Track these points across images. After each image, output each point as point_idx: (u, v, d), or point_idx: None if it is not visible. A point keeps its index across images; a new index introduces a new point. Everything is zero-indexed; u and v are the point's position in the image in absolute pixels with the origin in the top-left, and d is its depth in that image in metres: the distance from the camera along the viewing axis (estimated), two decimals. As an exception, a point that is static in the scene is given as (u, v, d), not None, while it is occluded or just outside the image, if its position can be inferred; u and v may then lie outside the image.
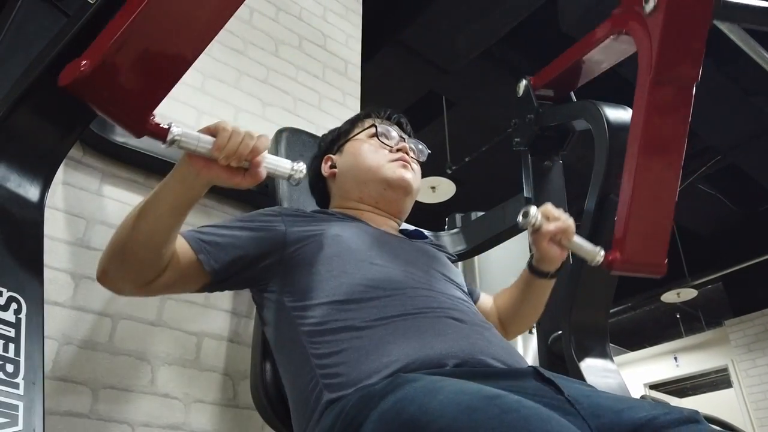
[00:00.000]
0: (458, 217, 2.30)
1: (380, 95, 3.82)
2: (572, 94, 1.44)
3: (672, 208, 1.06)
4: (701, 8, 1.03)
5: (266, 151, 0.79)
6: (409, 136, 1.17)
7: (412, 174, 1.08)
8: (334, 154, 1.15)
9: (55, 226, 1.16)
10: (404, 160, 1.08)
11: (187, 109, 1.48)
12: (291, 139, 1.38)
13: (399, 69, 3.98)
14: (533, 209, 0.96)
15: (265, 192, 1.32)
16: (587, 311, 1.23)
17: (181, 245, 0.85)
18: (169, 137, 0.72)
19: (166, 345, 1.22)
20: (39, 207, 0.83)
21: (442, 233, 1.77)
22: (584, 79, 1.36)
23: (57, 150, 0.88)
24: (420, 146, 1.15)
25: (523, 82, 1.46)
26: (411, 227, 1.16)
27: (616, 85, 1.25)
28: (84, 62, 0.67)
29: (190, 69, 0.78)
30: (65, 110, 0.84)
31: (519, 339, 2.62)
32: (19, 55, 0.86)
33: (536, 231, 0.97)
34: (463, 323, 0.83)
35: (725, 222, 5.51)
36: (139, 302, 1.21)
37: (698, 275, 5.84)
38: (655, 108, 1.04)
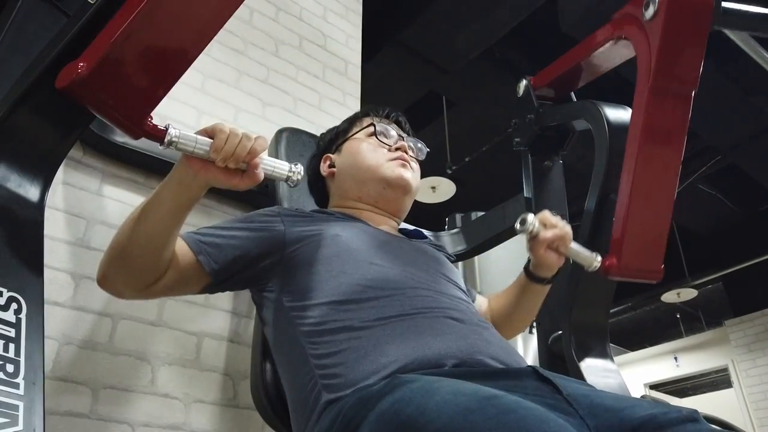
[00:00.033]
0: (458, 217, 2.31)
1: (380, 95, 3.82)
2: (572, 94, 1.44)
3: (669, 214, 1.07)
4: (701, 15, 1.03)
5: (264, 152, 0.79)
6: (408, 134, 1.17)
7: (411, 173, 1.08)
8: (332, 154, 1.15)
9: (55, 226, 1.16)
10: (403, 159, 1.07)
11: (187, 109, 1.48)
12: (291, 139, 1.38)
13: (399, 69, 3.98)
14: (530, 216, 0.97)
15: (265, 192, 1.32)
16: (587, 311, 1.23)
17: (181, 247, 0.85)
18: (167, 139, 0.72)
19: (167, 345, 1.22)
20: (39, 207, 0.83)
21: (442, 233, 1.77)
22: (584, 80, 1.36)
23: (57, 150, 0.88)
24: (419, 145, 1.15)
25: (523, 82, 1.46)
26: (410, 227, 1.16)
27: (616, 85, 1.25)
28: (81, 64, 0.67)
29: (190, 69, 0.78)
30: (65, 110, 0.83)
31: (519, 339, 2.62)
32: (20, 55, 0.86)
33: (534, 238, 0.98)
34: (461, 323, 0.83)
35: (725, 222, 5.51)
36: (140, 302, 1.21)
37: (698, 275, 5.84)
38: (653, 115, 1.04)
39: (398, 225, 1.12)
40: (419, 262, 0.97)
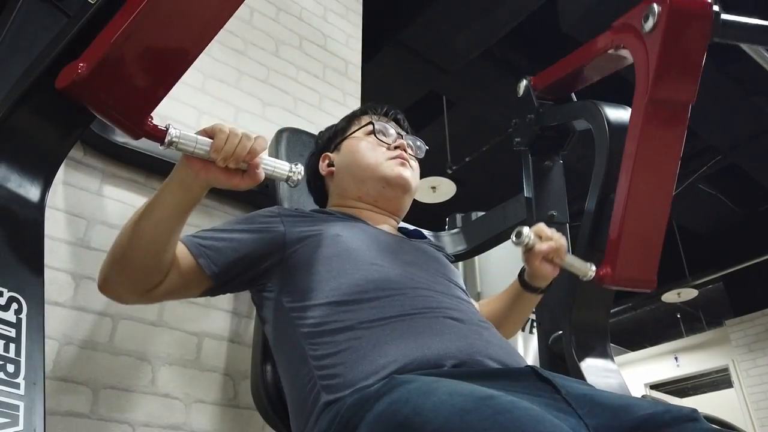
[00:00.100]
0: (458, 217, 2.30)
1: (380, 95, 3.81)
2: (572, 94, 1.44)
3: (664, 225, 1.08)
4: (700, 29, 1.03)
5: (264, 152, 0.79)
6: (407, 132, 1.16)
7: (410, 171, 1.08)
8: (331, 152, 1.14)
9: (55, 227, 1.16)
10: (402, 158, 1.07)
11: (187, 109, 1.48)
12: (291, 139, 1.38)
13: (399, 69, 3.98)
14: (526, 229, 0.99)
15: (265, 192, 1.32)
16: (588, 311, 1.22)
17: (181, 251, 0.85)
18: (167, 139, 0.72)
19: (167, 345, 1.23)
20: (39, 207, 0.83)
21: (443, 233, 1.77)
22: (584, 83, 1.36)
23: (57, 150, 0.88)
24: (418, 143, 1.15)
25: (524, 82, 1.46)
26: (410, 227, 1.16)
27: (616, 84, 1.25)
28: (81, 64, 0.67)
29: (190, 69, 0.78)
30: (66, 110, 0.83)
31: (519, 339, 2.62)
32: (20, 55, 0.86)
33: (529, 250, 1.00)
34: (461, 323, 0.83)
35: (726, 222, 5.51)
36: (140, 302, 1.21)
37: (699, 275, 5.84)
38: (650, 127, 1.04)
39: (398, 224, 1.12)
40: (419, 262, 0.97)
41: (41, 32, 0.88)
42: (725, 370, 6.90)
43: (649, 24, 1.03)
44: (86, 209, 1.22)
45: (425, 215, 2.70)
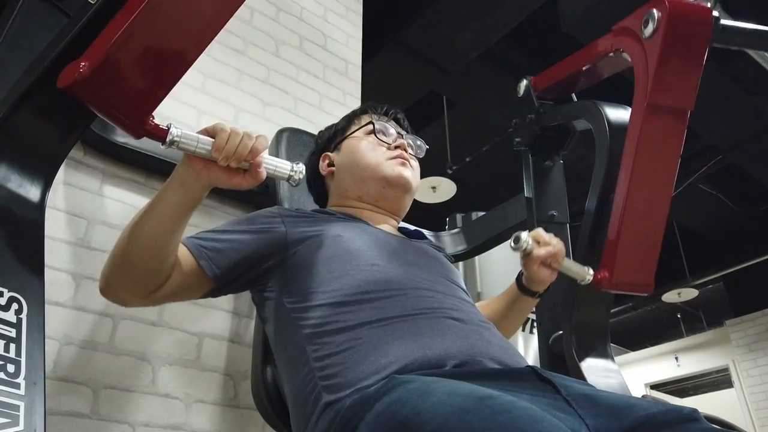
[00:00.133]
0: (459, 217, 2.30)
1: (381, 95, 3.81)
2: (573, 94, 1.44)
3: (662, 230, 1.08)
4: (700, 34, 1.03)
5: (265, 151, 0.79)
6: (407, 131, 1.16)
7: (411, 171, 1.08)
8: (331, 152, 1.14)
9: (55, 227, 1.16)
10: (403, 158, 1.07)
11: (187, 109, 1.49)
12: (291, 139, 1.38)
13: (399, 69, 3.98)
14: (524, 234, 1.00)
15: (265, 192, 1.32)
16: (588, 311, 1.22)
17: (182, 253, 0.85)
18: (168, 138, 0.72)
19: (167, 345, 1.23)
20: (40, 207, 0.83)
21: (443, 233, 1.77)
22: (584, 85, 1.36)
23: (58, 150, 0.88)
24: (418, 142, 1.14)
25: (524, 82, 1.46)
26: (411, 227, 1.16)
27: (617, 84, 1.25)
28: (83, 64, 0.67)
29: (190, 69, 0.78)
30: (66, 110, 0.83)
31: (520, 339, 2.62)
32: (20, 55, 0.86)
33: (527, 255, 1.01)
34: (462, 323, 0.83)
35: (726, 222, 5.51)
36: (140, 302, 1.21)
37: (699, 275, 5.84)
38: (648, 133, 1.05)
39: (398, 224, 1.12)
40: (420, 262, 0.97)
41: (41, 32, 0.88)
42: (725, 370, 6.90)
43: (649, 29, 1.03)
44: (86, 209, 1.22)
45: (425, 215, 2.71)
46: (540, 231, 1.03)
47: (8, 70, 0.84)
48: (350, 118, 1.16)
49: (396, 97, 4.02)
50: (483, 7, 3.45)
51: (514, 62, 3.96)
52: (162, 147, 0.73)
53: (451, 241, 1.74)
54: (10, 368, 0.69)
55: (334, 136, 1.15)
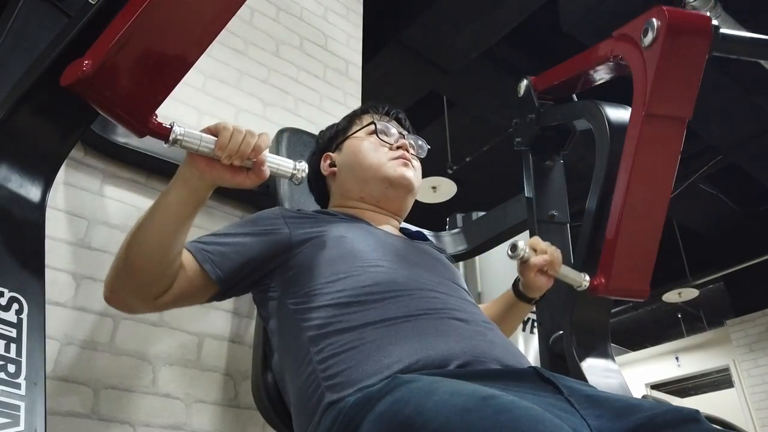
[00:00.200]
0: (459, 217, 2.30)
1: (381, 95, 3.82)
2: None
3: (658, 237, 1.09)
4: (699, 44, 1.03)
5: (267, 149, 0.79)
6: (408, 131, 1.16)
7: (413, 172, 1.08)
8: (332, 152, 1.14)
9: (56, 227, 1.16)
10: (405, 158, 1.07)
11: (188, 110, 1.49)
12: (292, 140, 1.38)
13: (400, 69, 3.98)
14: (521, 243, 1.02)
15: (266, 192, 1.32)
16: (588, 311, 1.22)
17: (186, 257, 0.85)
18: (172, 137, 0.72)
19: (168, 345, 1.23)
20: (40, 207, 0.83)
21: (443, 233, 1.77)
22: (584, 87, 1.36)
23: (58, 150, 0.88)
24: (419, 142, 1.15)
25: (524, 82, 1.46)
26: (413, 228, 1.16)
27: (617, 84, 1.25)
28: (86, 62, 0.67)
29: (191, 69, 0.78)
30: (66, 111, 0.84)
31: (520, 339, 2.62)
32: (21, 56, 0.86)
33: (524, 263, 1.03)
34: (466, 324, 0.83)
35: (726, 222, 5.51)
36: (141, 302, 1.21)
37: (699, 275, 5.84)
38: (646, 141, 1.05)
39: (399, 224, 1.12)
40: (423, 263, 0.97)
41: (42, 32, 0.88)
42: (726, 370, 6.90)
43: (648, 38, 1.03)
44: (87, 209, 1.22)
45: (426, 215, 2.70)
46: (537, 239, 1.05)
47: (9, 70, 0.84)
48: (351, 118, 1.16)
49: (396, 97, 4.03)
50: (483, 7, 3.45)
51: (514, 62, 3.96)
52: (165, 145, 0.73)
53: (451, 241, 1.74)
54: (11, 368, 0.69)
55: (336, 136, 1.15)
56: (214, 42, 0.79)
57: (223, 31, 0.80)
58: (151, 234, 0.78)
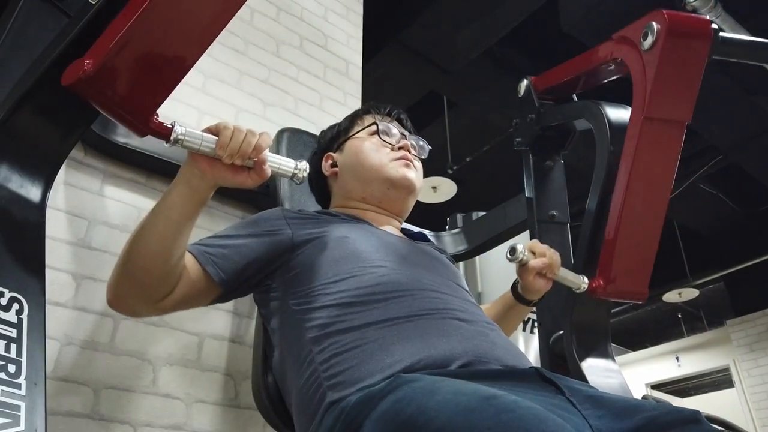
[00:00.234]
0: (459, 217, 2.30)
1: (381, 95, 3.82)
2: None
3: (657, 240, 1.09)
4: (699, 48, 1.03)
5: (268, 149, 0.79)
6: (410, 132, 1.16)
7: (414, 173, 1.08)
8: (334, 152, 1.14)
9: (56, 227, 1.16)
10: (407, 159, 1.07)
11: (188, 110, 1.49)
12: (292, 140, 1.38)
13: (400, 69, 3.98)
14: (520, 246, 1.02)
15: (266, 192, 1.32)
16: (589, 311, 1.22)
17: (188, 260, 0.85)
18: (173, 136, 0.72)
19: (168, 345, 1.23)
20: (41, 207, 0.83)
21: (444, 233, 1.77)
22: (584, 88, 1.37)
23: (59, 150, 0.88)
24: (421, 143, 1.15)
25: (525, 82, 1.46)
26: (414, 228, 1.16)
27: (617, 83, 1.25)
28: (87, 62, 0.67)
29: (191, 69, 0.78)
30: (67, 111, 0.84)
31: (520, 338, 2.62)
32: (21, 56, 0.86)
33: (523, 266, 1.04)
34: (468, 324, 0.83)
35: (727, 221, 5.50)
36: (141, 302, 1.21)
37: (700, 275, 5.84)
38: (645, 144, 1.05)
39: (401, 225, 1.12)
40: (425, 264, 0.97)
41: (42, 32, 0.88)
42: (726, 370, 6.90)
43: (648, 42, 1.03)
44: (87, 209, 1.22)
45: (426, 215, 2.70)
46: (536, 242, 1.06)
47: (9, 70, 0.84)
48: (353, 119, 1.16)
49: (396, 97, 4.03)
50: (483, 7, 3.45)
51: (515, 62, 3.96)
52: (166, 145, 0.73)
53: (451, 241, 1.74)
54: (11, 368, 0.69)
55: (337, 136, 1.15)
56: (214, 42, 0.79)
57: (223, 31, 0.80)
58: (154, 235, 0.78)
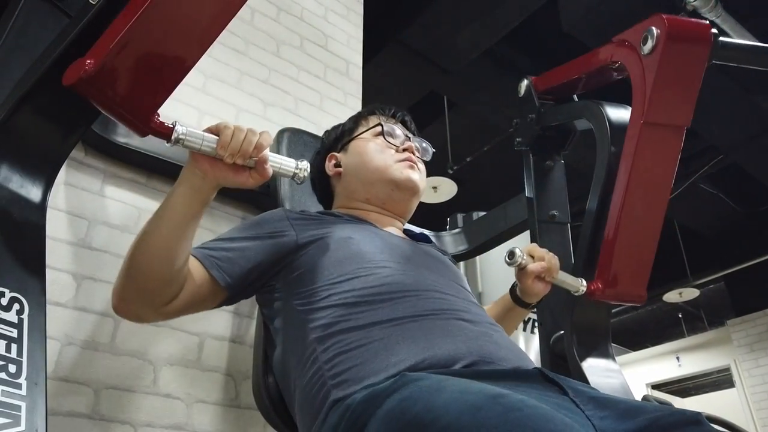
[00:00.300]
0: (460, 217, 2.30)
1: (381, 95, 3.82)
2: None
3: (655, 243, 1.10)
4: (699, 53, 1.03)
5: (269, 148, 0.79)
6: (414, 134, 1.17)
7: (418, 174, 1.09)
8: (338, 152, 1.14)
9: (57, 227, 1.16)
10: (411, 161, 1.08)
11: (188, 110, 1.49)
12: (292, 140, 1.38)
13: (400, 69, 3.98)
14: (518, 250, 1.03)
15: (266, 192, 1.32)
16: (589, 311, 1.22)
17: (193, 264, 0.85)
18: (174, 136, 0.72)
19: (169, 345, 1.23)
20: (41, 208, 0.83)
21: (444, 233, 1.77)
22: (585, 89, 1.37)
23: (59, 150, 0.88)
24: (424, 144, 1.16)
25: (525, 82, 1.46)
26: (416, 229, 1.16)
27: (618, 83, 1.25)
28: (88, 61, 0.67)
29: (191, 70, 0.78)
30: (67, 111, 0.84)
31: (521, 338, 2.62)
32: (22, 56, 0.86)
33: (522, 269, 1.04)
34: (472, 324, 0.83)
35: (727, 221, 5.51)
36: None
37: (700, 275, 5.83)
38: (644, 148, 1.06)
39: (403, 226, 1.13)
40: (429, 265, 0.97)
41: (43, 33, 0.88)
42: (727, 370, 6.90)
43: (648, 46, 1.03)
44: (88, 210, 1.22)
45: (426, 215, 2.70)
46: (534, 246, 1.07)
47: (10, 70, 0.84)
48: (357, 119, 1.16)
49: (397, 97, 4.03)
50: (483, 7, 3.45)
51: (515, 62, 3.96)
52: (167, 145, 0.73)
53: (452, 241, 1.74)
54: (12, 368, 0.69)
55: (341, 136, 1.15)
56: (214, 42, 0.79)
57: (223, 31, 0.80)
58: (157, 239, 0.78)
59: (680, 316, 7.43)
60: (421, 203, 1.14)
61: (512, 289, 1.13)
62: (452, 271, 1.03)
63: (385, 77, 3.93)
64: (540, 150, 1.46)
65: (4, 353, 0.69)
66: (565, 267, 1.09)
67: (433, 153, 1.20)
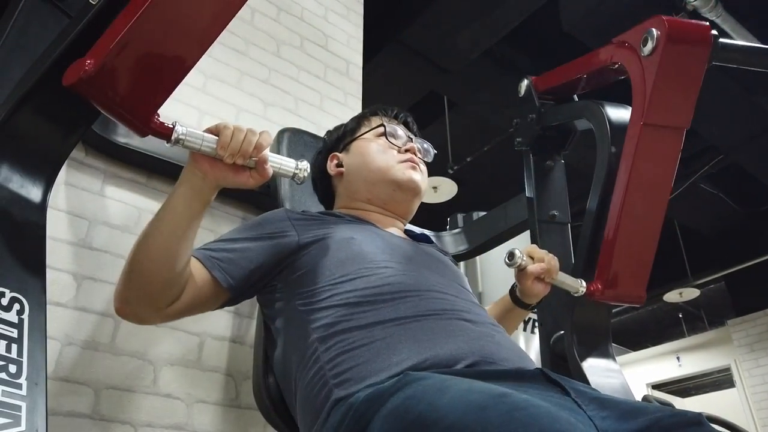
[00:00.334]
0: (460, 217, 2.30)
1: (382, 95, 3.82)
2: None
3: (655, 244, 1.10)
4: (699, 54, 1.03)
5: (269, 148, 0.79)
6: (415, 135, 1.17)
7: (420, 175, 1.09)
8: (340, 152, 1.14)
9: (57, 227, 1.16)
10: (413, 161, 1.08)
11: (188, 110, 1.49)
12: (293, 140, 1.38)
13: (400, 69, 3.98)
14: (518, 251, 1.03)
15: (266, 192, 1.32)
16: (589, 311, 1.22)
17: (194, 265, 0.85)
18: (174, 136, 0.72)
19: (169, 345, 1.23)
20: (41, 208, 0.83)
21: (444, 233, 1.77)
22: (585, 89, 1.37)
23: (59, 150, 0.88)
24: (426, 146, 1.16)
25: (525, 82, 1.46)
26: (417, 229, 1.16)
27: (618, 83, 1.25)
28: (88, 61, 0.67)
29: (191, 70, 0.78)
30: (68, 111, 0.84)
31: (521, 338, 2.62)
32: (22, 56, 0.86)
33: (521, 270, 1.04)
34: (474, 325, 0.83)
35: (727, 221, 5.50)
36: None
37: (701, 275, 5.83)
38: (644, 150, 1.06)
39: (404, 226, 1.13)
40: (430, 265, 0.98)
41: (43, 33, 0.88)
42: (727, 369, 6.90)
43: (648, 48, 1.03)
44: (88, 210, 1.22)
45: (427, 215, 2.70)
46: (534, 247, 1.07)
47: (10, 70, 0.85)
48: (360, 119, 1.16)
49: (397, 98, 4.03)
50: (483, 7, 3.45)
51: (516, 62, 3.96)
52: (167, 145, 0.73)
53: (452, 241, 1.74)
54: (12, 369, 0.69)
55: (344, 136, 1.15)
56: (214, 42, 0.79)
57: (223, 31, 0.80)
58: (158, 240, 0.78)
59: (680, 316, 7.43)
60: (421, 203, 1.15)
61: (512, 290, 1.13)
62: (453, 272, 1.03)
63: (385, 77, 3.93)
64: (540, 150, 1.46)
65: (4, 353, 0.69)
66: (565, 267, 1.10)
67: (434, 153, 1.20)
